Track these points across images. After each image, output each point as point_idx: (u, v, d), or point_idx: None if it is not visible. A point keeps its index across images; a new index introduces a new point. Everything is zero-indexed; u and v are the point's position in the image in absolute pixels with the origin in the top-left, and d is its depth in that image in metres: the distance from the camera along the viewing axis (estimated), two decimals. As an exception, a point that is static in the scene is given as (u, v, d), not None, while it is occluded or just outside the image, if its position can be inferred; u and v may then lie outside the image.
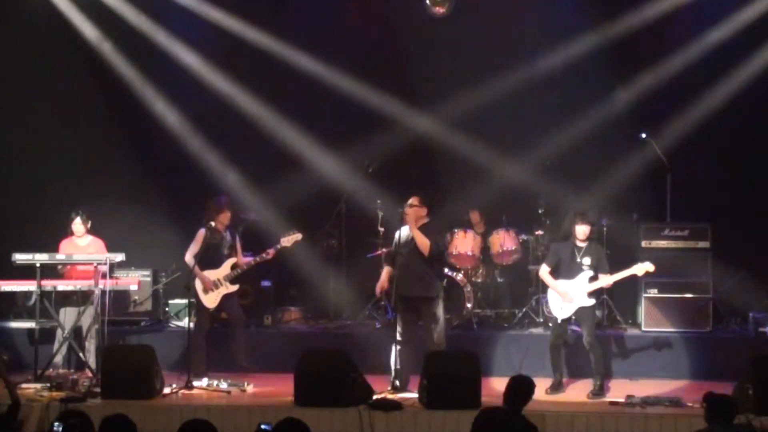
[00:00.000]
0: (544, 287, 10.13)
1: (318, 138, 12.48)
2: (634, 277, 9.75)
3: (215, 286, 10.14)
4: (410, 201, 9.61)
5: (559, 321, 9.56)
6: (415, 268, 9.44)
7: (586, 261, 9.49)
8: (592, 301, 9.50)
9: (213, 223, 10.09)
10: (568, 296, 9.45)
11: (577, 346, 9.91)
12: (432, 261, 9.49)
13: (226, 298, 10.21)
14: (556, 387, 9.48)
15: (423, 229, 9.49)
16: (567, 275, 9.54)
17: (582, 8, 12.04)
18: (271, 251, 10.25)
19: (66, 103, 12.14)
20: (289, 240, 10.26)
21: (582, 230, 9.49)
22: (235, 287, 10.25)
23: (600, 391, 9.29)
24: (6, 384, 8.06)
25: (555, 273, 9.62)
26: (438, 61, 12.42)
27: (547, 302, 9.86)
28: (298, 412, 7.78)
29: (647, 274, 9.69)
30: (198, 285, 10.14)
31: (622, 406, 8.78)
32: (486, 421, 6.82)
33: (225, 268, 10.21)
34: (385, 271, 9.82)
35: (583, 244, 9.53)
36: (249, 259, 10.32)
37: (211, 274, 10.15)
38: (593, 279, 9.48)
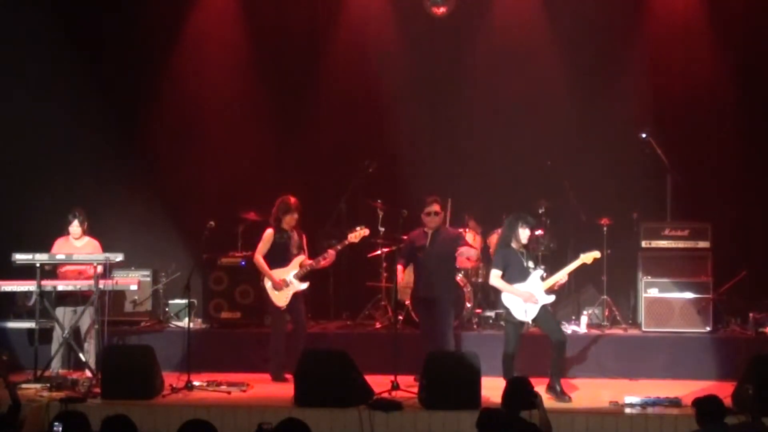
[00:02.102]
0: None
1: (317, 137, 12.51)
2: (584, 266, 9.46)
3: (285, 285, 10.09)
4: (434, 209, 9.81)
5: (530, 322, 9.35)
6: (434, 270, 9.74)
7: (531, 264, 9.35)
8: (552, 298, 9.28)
9: (280, 224, 10.10)
10: (532, 297, 9.18)
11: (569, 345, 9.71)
12: (450, 264, 9.82)
13: (294, 298, 10.13)
14: None
15: (438, 231, 9.84)
16: (518, 279, 9.25)
17: (581, 8, 12.06)
18: (339, 247, 10.12)
19: (66, 103, 12.14)
20: (356, 236, 10.11)
21: (526, 234, 9.27)
22: (305, 285, 10.14)
23: (563, 391, 9.10)
24: (6, 385, 8.05)
25: (504, 279, 9.31)
26: (437, 61, 12.44)
27: (507, 309, 9.34)
28: (298, 413, 7.79)
29: (595, 260, 9.45)
30: (268, 284, 10.11)
31: (622, 406, 8.77)
32: (488, 420, 6.79)
33: (294, 266, 10.11)
34: (401, 269, 9.99)
35: (522, 249, 9.32)
36: (318, 258, 10.17)
37: (281, 273, 10.08)
38: (544, 277, 9.27)
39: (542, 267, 9.51)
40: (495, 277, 9.33)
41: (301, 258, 10.16)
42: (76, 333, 10.14)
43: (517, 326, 9.30)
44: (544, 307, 9.25)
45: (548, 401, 8.68)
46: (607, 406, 8.83)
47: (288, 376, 9.75)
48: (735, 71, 12.02)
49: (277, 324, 10.21)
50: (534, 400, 7.20)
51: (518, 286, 9.24)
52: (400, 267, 10.06)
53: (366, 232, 10.18)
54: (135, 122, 12.50)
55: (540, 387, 8.93)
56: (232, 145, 12.49)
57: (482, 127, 12.26)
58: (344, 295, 11.81)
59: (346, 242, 10.11)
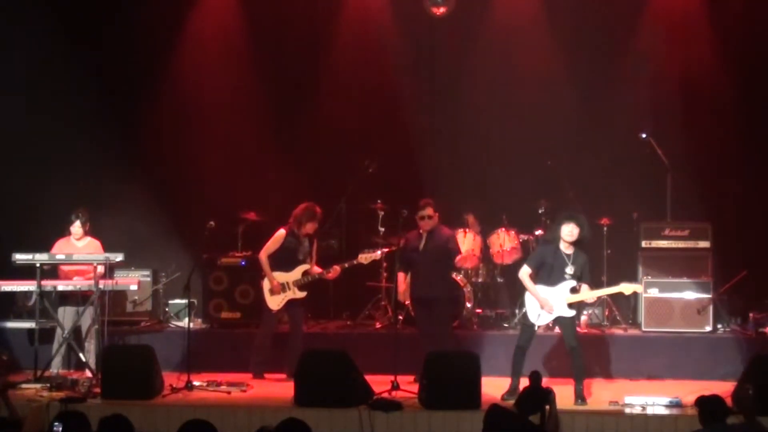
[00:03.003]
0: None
1: (317, 137, 12.51)
2: (620, 295, 9.45)
3: (283, 290, 10.05)
4: (427, 212, 9.83)
5: (536, 327, 9.22)
6: (430, 270, 9.80)
7: (570, 270, 9.02)
8: (572, 312, 9.12)
9: (296, 228, 10.07)
10: (548, 305, 9.00)
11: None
12: (446, 263, 9.88)
13: (290, 303, 10.10)
14: (513, 392, 8.90)
15: (432, 232, 9.88)
16: (548, 281, 9.06)
17: (581, 9, 12.07)
18: (346, 264, 10.14)
19: (66, 103, 12.14)
20: (366, 258, 10.12)
21: (569, 230, 8.98)
22: (303, 294, 10.08)
23: (583, 396, 9.00)
24: (5, 400, 7.98)
25: (536, 277, 9.09)
26: (437, 61, 12.44)
27: (523, 305, 9.37)
28: (298, 413, 7.77)
29: (635, 294, 9.33)
30: (265, 284, 10.10)
31: (622, 406, 8.76)
32: (494, 418, 6.75)
33: (296, 273, 10.07)
34: (402, 278, 10.05)
35: (569, 251, 9.04)
36: (323, 271, 10.16)
37: (281, 277, 10.05)
38: (575, 290, 9.06)
39: (570, 275, 9.01)
40: (523, 273, 9.17)
41: (305, 267, 10.12)
42: (76, 333, 10.14)
43: (531, 326, 9.22)
44: (562, 317, 9.09)
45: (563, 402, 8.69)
46: (607, 406, 8.82)
47: (269, 375, 9.90)
48: (735, 71, 12.02)
49: (265, 323, 10.22)
50: (548, 396, 7.18)
51: (541, 289, 9.08)
52: (401, 276, 10.07)
53: (378, 256, 10.24)
54: (135, 122, 12.49)
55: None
56: (233, 145, 12.50)
57: (482, 127, 12.26)
58: (344, 295, 11.80)
59: (355, 262, 10.14)
